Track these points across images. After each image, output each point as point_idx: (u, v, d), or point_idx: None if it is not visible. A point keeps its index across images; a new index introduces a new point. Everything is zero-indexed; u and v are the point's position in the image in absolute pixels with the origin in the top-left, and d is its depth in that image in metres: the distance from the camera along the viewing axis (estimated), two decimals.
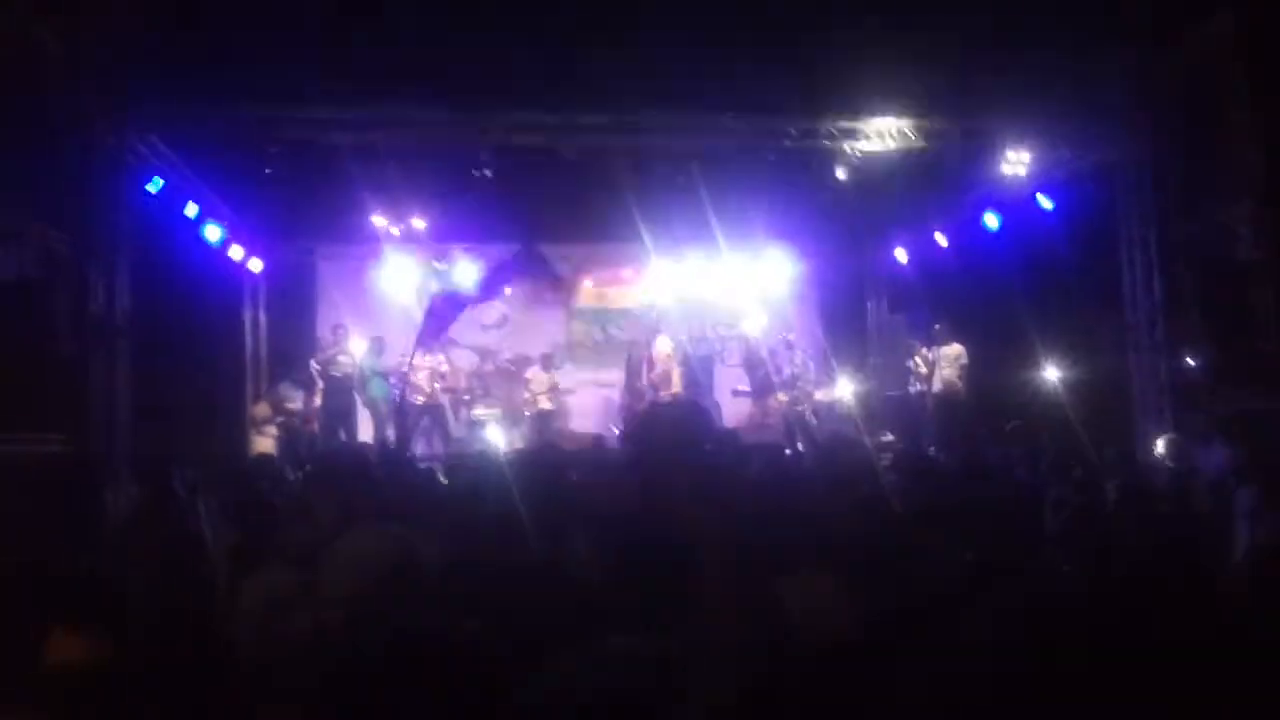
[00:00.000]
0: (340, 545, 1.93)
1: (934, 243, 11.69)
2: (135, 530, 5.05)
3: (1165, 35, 7.73)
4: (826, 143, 9.61)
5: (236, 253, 11.42)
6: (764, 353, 12.43)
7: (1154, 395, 8.84)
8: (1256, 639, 2.09)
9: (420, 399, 10.96)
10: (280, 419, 11.32)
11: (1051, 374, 9.92)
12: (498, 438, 11.30)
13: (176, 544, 4.36)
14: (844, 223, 12.50)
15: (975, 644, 1.82)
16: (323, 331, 11.81)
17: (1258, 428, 7.53)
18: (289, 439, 11.10)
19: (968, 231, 10.95)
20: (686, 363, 12.17)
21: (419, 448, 11.03)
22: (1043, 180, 9.48)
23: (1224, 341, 8.16)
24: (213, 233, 10.26)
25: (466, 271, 12.61)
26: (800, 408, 11.53)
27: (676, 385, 11.40)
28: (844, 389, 12.20)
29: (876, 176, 10.06)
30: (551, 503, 3.74)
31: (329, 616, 2.93)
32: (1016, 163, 9.24)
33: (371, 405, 11.14)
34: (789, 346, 12.05)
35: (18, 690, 2.03)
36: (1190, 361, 8.69)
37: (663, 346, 11.79)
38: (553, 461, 4.05)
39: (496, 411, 12.12)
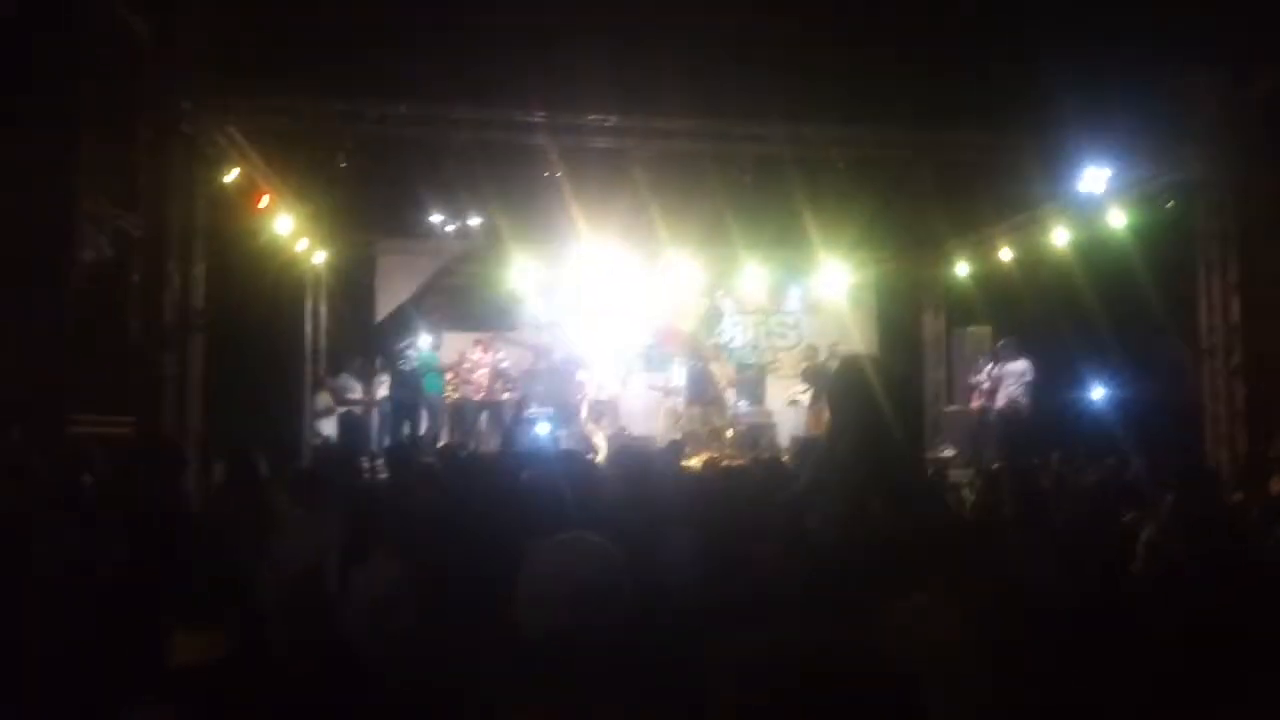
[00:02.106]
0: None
1: (998, 256, 11.54)
2: (220, 514, 5.11)
3: (1253, 59, 7.57)
4: (896, 152, 9.55)
5: (302, 244, 11.55)
6: (818, 363, 12.38)
7: (1226, 421, 8.66)
8: None
9: (479, 396, 11.01)
10: (342, 409, 11.44)
11: (1118, 394, 9.76)
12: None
13: (266, 529, 4.39)
14: (906, 233, 12.39)
15: None
16: (388, 325, 11.90)
17: None
18: (345, 429, 11.20)
19: (1034, 246, 10.79)
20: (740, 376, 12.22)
21: (472, 444, 11.10)
22: (1118, 197, 9.30)
23: None
24: (284, 224, 10.37)
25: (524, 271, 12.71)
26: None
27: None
28: None
29: (942, 187, 9.95)
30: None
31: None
32: (1092, 178, 9.10)
33: (428, 401, 11.21)
34: (834, 357, 11.99)
35: (147, 687, 2.03)
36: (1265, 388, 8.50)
37: (721, 370, 11.86)
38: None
39: (549, 410, 12.15)
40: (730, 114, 9.15)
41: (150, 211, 8.07)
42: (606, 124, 9.17)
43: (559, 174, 9.31)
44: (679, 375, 12.47)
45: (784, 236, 11.86)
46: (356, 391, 11.37)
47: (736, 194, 10.09)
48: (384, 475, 6.91)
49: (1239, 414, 8.52)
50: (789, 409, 12.43)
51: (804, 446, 7.32)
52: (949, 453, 11.12)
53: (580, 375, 12.24)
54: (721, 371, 12.03)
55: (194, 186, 8.35)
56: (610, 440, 11.04)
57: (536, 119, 9.08)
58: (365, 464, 7.40)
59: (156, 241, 8.14)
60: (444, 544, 3.42)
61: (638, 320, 13.43)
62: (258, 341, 10.67)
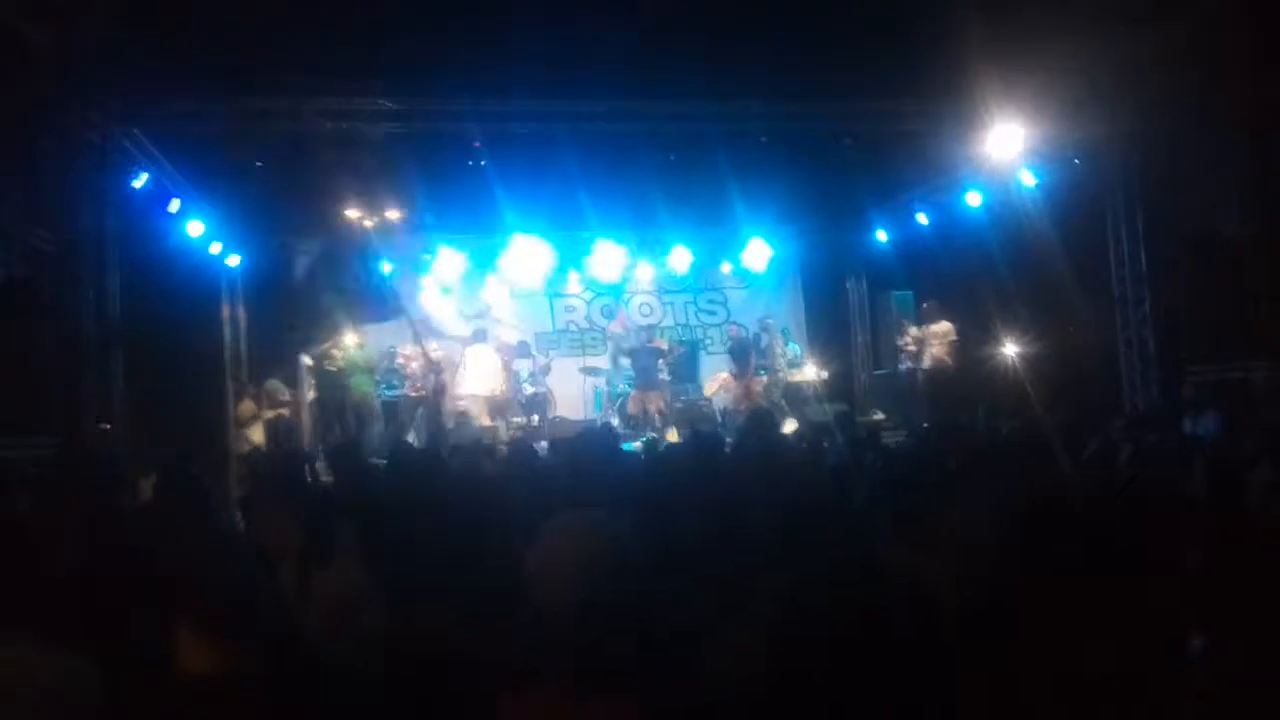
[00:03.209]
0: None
1: (916, 222, 11.82)
2: (158, 528, 4.97)
3: (1154, 17, 7.87)
4: (813, 124, 9.69)
5: (215, 248, 11.22)
6: (747, 337, 12.57)
7: (1140, 368, 9.05)
8: None
9: (414, 392, 10.86)
10: (268, 415, 11.16)
11: (1037, 348, 10.11)
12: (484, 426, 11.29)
13: (212, 541, 4.28)
14: (824, 204, 12.60)
15: None
16: (309, 327, 11.62)
17: (1239, 395, 7.77)
18: (278, 435, 10.93)
19: (951, 209, 11.08)
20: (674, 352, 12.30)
21: (411, 439, 10.96)
22: (1028, 157, 9.60)
23: (1209, 314, 8.37)
24: (195, 228, 10.05)
25: (449, 263, 12.59)
26: (772, 389, 11.81)
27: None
28: (815, 370, 12.42)
29: (861, 157, 10.13)
30: None
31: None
32: (1002, 141, 9.37)
33: (361, 400, 11.00)
34: (765, 329, 12.19)
35: (144, 696, 2.00)
36: (1175, 334, 8.92)
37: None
38: None
39: (481, 400, 12.06)
40: (652, 93, 9.16)
41: (59, 224, 7.74)
42: (528, 109, 9.10)
43: (483, 162, 9.20)
44: (615, 359, 12.50)
45: (710, 214, 11.97)
46: (285, 395, 11.11)
47: (662, 173, 10.13)
48: (327, 478, 6.79)
49: (1150, 359, 8.92)
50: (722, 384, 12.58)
51: (747, 420, 7.42)
52: (879, 416, 11.40)
53: (518, 364, 12.19)
54: (669, 351, 12.11)
55: (103, 195, 8.03)
56: (548, 428, 11.04)
57: (456, 107, 8.97)
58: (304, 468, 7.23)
59: (68, 254, 7.83)
60: (403, 541, 3.40)
61: (567, 305, 13.43)
62: (176, 350, 10.34)
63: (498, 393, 11.27)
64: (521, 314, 13.19)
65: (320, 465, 7.60)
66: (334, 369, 10.51)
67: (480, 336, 11.77)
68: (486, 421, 10.97)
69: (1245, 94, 7.62)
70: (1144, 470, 5.71)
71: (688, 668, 2.09)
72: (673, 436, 9.93)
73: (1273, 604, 2.80)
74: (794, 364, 12.58)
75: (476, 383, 11.21)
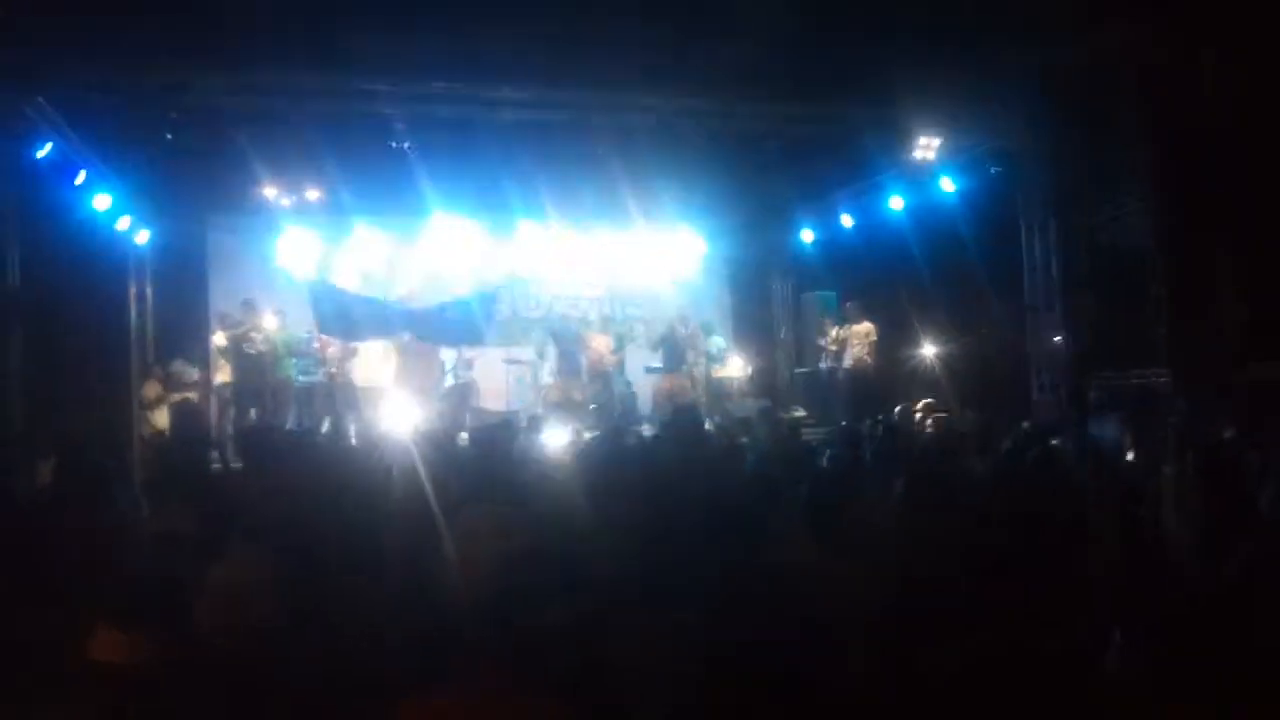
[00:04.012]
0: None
1: (840, 223, 12.00)
2: (56, 513, 4.75)
3: (1068, 33, 8.11)
4: (742, 123, 9.75)
5: (123, 223, 10.79)
6: (673, 331, 12.59)
7: (1049, 373, 9.35)
8: None
9: (330, 378, 10.61)
10: (175, 397, 10.78)
11: (953, 350, 10.38)
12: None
13: (105, 527, 4.11)
14: (751, 203, 12.71)
15: None
16: (227, 307, 11.24)
17: (1141, 401, 8.08)
18: (184, 419, 10.56)
19: (874, 212, 11.28)
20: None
21: (325, 427, 10.71)
22: (947, 164, 9.84)
23: (1116, 322, 8.68)
24: (102, 202, 9.64)
25: (367, 244, 12.33)
26: (695, 384, 11.91)
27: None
28: (740, 366, 12.55)
29: (784, 157, 10.24)
30: None
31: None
32: (923, 147, 9.58)
33: (282, 384, 10.69)
34: (681, 323, 12.27)
35: (61, 686, 1.92)
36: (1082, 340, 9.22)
37: (599, 343, 11.98)
38: None
39: (406, 391, 11.85)
40: (582, 83, 9.09)
41: None
42: (452, 92, 8.95)
43: (406, 145, 9.01)
44: (538, 349, 12.40)
45: (636, 207, 11.95)
46: (192, 377, 10.74)
47: (590, 165, 10.08)
48: (235, 464, 6.58)
49: (1059, 364, 9.22)
50: (648, 378, 12.58)
51: (674, 414, 7.42)
52: (800, 413, 11.55)
53: (442, 353, 12.00)
54: (602, 344, 12.04)
55: (4, 163, 7.63)
56: (471, 418, 10.90)
57: (378, 87, 8.77)
58: (213, 454, 7.01)
59: None
60: (304, 530, 3.30)
61: (491, 293, 13.27)
62: (78, 329, 9.91)
63: (386, 383, 11.05)
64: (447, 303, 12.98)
65: (230, 451, 7.37)
66: (253, 351, 10.17)
67: None
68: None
69: (1155, 107, 7.91)
70: (1048, 471, 5.92)
71: (601, 661, 2.07)
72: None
73: (1164, 601, 2.91)
74: (717, 359, 12.66)
75: (369, 371, 11.00)
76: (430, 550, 2.36)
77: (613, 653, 2.08)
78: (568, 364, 11.59)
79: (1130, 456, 6.52)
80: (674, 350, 12.06)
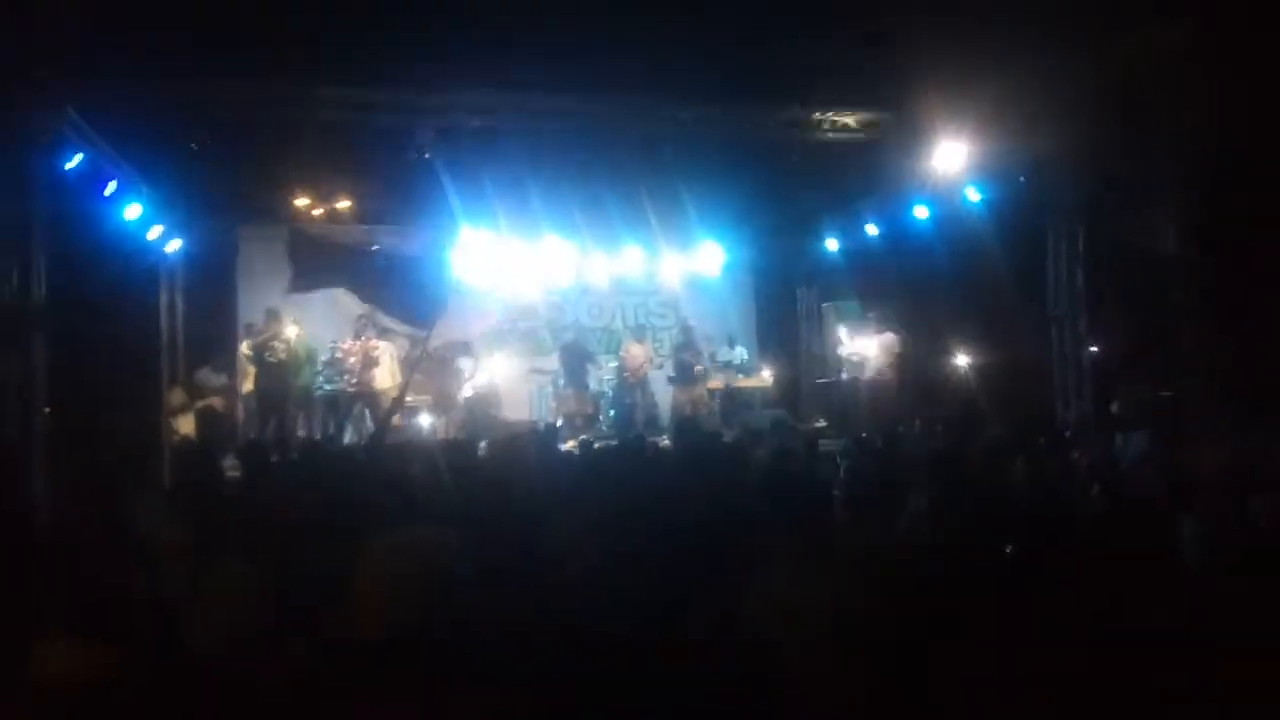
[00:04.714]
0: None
1: (865, 233, 11.90)
2: (72, 521, 4.83)
3: (1099, 39, 7.99)
4: (768, 132, 9.72)
5: (154, 233, 10.95)
6: (694, 340, 12.56)
7: (1075, 385, 9.19)
8: None
9: (353, 387, 10.69)
10: (198, 404, 10.92)
11: (976, 361, 10.25)
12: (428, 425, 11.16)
13: (123, 534, 4.16)
14: (778, 210, 12.65)
15: None
16: (251, 315, 11.39)
17: (1168, 414, 7.91)
18: (206, 426, 10.70)
19: (899, 221, 11.17)
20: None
21: (348, 436, 10.81)
22: (973, 173, 9.72)
23: (1143, 334, 8.52)
24: (133, 212, 9.80)
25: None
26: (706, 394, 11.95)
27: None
28: (762, 376, 12.50)
29: (809, 166, 10.20)
30: None
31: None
32: (948, 156, 9.47)
33: (303, 393, 10.80)
34: (684, 331, 12.30)
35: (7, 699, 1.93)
36: (1109, 352, 9.06)
37: (637, 351, 12.14)
38: None
39: (427, 399, 11.91)
40: (604, 93, 9.11)
41: None
42: (478, 102, 9.01)
43: (428, 155, 9.08)
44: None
45: (661, 216, 11.94)
46: (215, 385, 10.87)
47: (613, 174, 10.09)
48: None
49: (1085, 377, 9.06)
50: (668, 389, 12.55)
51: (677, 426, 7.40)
52: (821, 423, 11.47)
53: (460, 362, 12.04)
54: (640, 351, 12.09)
55: (31, 175, 7.78)
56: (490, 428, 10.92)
57: (405, 97, 8.86)
58: (227, 462, 7.08)
59: None
60: (298, 543, 3.31)
61: (515, 303, 13.32)
62: (109, 338, 10.07)
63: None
64: (467, 312, 13.04)
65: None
66: (275, 360, 10.28)
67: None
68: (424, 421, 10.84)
69: (1185, 117, 7.76)
70: (1070, 487, 5.82)
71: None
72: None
73: (1188, 616, 2.83)
74: (743, 369, 12.61)
75: (390, 380, 11.05)
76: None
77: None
78: (575, 377, 11.64)
79: (1155, 470, 6.40)
80: (688, 361, 12.04)
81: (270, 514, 3.60)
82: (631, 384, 11.96)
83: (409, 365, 11.35)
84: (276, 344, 10.35)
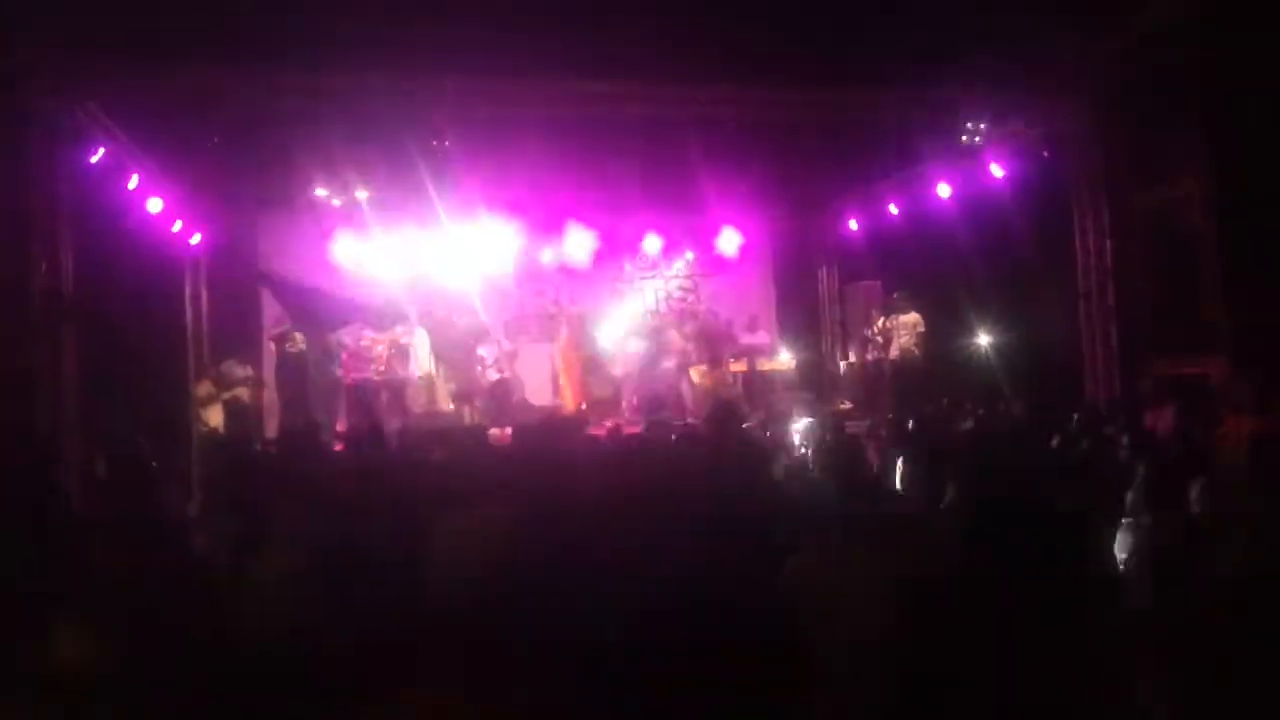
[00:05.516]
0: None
1: (887, 212, 11.81)
2: (104, 511, 4.88)
3: (1119, 12, 7.88)
4: (782, 112, 9.63)
5: (178, 225, 11.03)
6: (713, 324, 12.55)
7: (1104, 361, 9.10)
8: None
9: (378, 375, 10.74)
10: (225, 396, 11.01)
11: (1002, 340, 10.16)
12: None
13: (157, 524, 4.20)
14: (796, 191, 12.57)
15: None
16: (273, 307, 11.46)
17: (1197, 391, 7.83)
18: (232, 416, 10.79)
19: (921, 200, 11.08)
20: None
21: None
22: (996, 150, 9.61)
23: (1172, 309, 8.42)
24: (155, 204, 9.87)
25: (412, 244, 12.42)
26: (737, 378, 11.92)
27: None
28: (786, 359, 12.46)
29: (829, 145, 10.11)
30: None
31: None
32: (970, 132, 9.38)
33: (320, 383, 10.86)
34: (693, 316, 12.27)
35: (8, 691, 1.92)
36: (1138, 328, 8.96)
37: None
38: None
39: (451, 386, 11.96)
40: (619, 76, 9.06)
41: (9, 198, 7.55)
42: (494, 90, 8.97)
43: (447, 143, 9.07)
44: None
45: (679, 200, 11.90)
46: (240, 375, 10.95)
47: (631, 158, 10.04)
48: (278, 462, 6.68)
49: (1113, 354, 8.97)
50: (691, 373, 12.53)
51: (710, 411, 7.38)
52: (846, 405, 11.42)
53: (482, 349, 12.07)
54: (677, 337, 12.10)
55: (55, 169, 7.84)
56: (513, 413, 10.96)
57: (420, 85, 8.82)
58: (258, 450, 7.14)
59: (18, 229, 7.63)
60: (344, 529, 3.33)
61: (534, 289, 13.33)
62: (134, 328, 10.16)
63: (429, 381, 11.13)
64: (488, 298, 13.05)
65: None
66: (294, 350, 10.36)
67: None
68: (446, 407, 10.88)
69: (1210, 89, 7.64)
70: (1100, 465, 5.76)
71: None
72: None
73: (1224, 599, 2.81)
74: (765, 352, 12.58)
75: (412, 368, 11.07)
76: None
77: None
78: (595, 363, 11.64)
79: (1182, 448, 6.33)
80: (716, 344, 12.02)
81: (317, 499, 3.61)
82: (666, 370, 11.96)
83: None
84: (296, 335, 10.41)
